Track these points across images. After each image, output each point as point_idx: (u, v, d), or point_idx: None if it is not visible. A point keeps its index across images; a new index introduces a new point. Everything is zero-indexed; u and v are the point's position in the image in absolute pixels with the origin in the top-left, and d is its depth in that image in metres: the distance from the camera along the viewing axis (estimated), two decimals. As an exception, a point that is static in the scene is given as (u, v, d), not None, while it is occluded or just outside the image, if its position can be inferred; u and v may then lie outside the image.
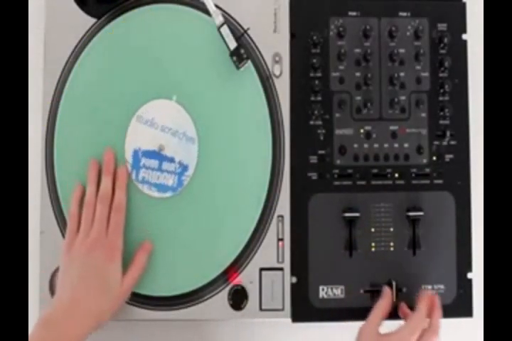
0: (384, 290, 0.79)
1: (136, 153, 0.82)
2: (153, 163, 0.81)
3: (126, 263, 0.77)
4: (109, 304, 0.76)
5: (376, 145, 0.82)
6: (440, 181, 0.82)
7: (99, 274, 0.75)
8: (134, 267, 0.78)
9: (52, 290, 0.80)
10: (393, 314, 0.78)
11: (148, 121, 0.81)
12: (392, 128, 0.82)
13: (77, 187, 0.81)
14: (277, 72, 0.82)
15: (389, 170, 0.82)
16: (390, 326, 0.75)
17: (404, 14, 0.83)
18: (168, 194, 0.81)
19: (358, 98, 0.82)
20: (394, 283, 0.79)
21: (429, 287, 0.81)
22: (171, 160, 0.81)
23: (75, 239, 0.78)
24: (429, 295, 0.77)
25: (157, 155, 0.81)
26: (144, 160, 0.82)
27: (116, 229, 0.77)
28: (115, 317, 0.77)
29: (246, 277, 0.80)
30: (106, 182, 0.80)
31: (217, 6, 0.79)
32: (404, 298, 0.80)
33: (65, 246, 0.78)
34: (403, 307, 0.79)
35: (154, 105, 0.81)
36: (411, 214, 0.81)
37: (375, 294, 0.79)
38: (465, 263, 0.81)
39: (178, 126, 0.81)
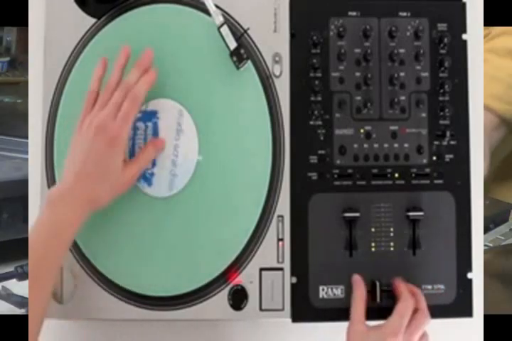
0: (353, 279, 0.79)
1: (152, 113, 0.81)
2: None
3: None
4: (108, 190, 0.75)
5: (376, 145, 0.82)
6: (440, 181, 0.82)
7: (99, 160, 0.74)
8: (139, 156, 0.78)
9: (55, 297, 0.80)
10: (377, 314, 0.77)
11: (180, 112, 0.81)
12: (392, 128, 0.82)
13: (100, 64, 0.78)
14: (277, 72, 0.82)
15: (389, 170, 0.82)
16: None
17: (404, 14, 0.83)
18: (141, 184, 0.80)
19: (358, 98, 0.82)
20: (378, 284, 0.79)
21: (429, 287, 0.81)
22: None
23: (87, 115, 0.76)
24: (402, 281, 0.78)
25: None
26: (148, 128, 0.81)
27: (125, 117, 0.75)
28: (113, 316, 0.77)
29: (246, 277, 0.80)
30: (135, 74, 0.76)
31: (217, 6, 0.79)
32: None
33: (78, 123, 0.77)
34: (399, 284, 0.78)
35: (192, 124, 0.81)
36: (411, 214, 0.80)
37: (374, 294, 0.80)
38: (465, 263, 0.81)
39: (185, 157, 0.81)
